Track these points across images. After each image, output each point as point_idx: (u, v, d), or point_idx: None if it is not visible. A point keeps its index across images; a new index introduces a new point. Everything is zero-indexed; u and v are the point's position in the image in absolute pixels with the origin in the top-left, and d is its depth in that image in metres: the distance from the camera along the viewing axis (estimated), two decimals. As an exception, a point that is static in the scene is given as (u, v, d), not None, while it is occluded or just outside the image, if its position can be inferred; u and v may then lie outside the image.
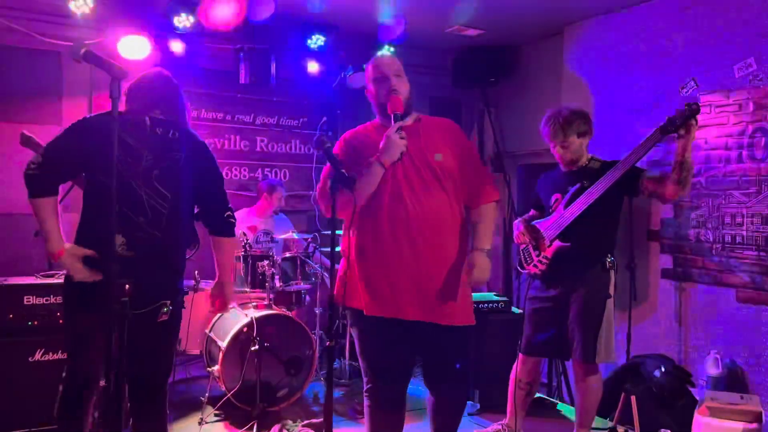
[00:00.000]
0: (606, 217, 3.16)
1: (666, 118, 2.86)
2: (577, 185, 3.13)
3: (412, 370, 2.67)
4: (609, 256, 3.17)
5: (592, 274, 3.14)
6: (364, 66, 2.75)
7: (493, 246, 2.70)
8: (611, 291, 3.16)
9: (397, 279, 2.44)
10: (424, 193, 2.45)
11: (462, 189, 2.57)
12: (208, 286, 3.40)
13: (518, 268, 3.44)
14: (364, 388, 2.60)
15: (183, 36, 4.47)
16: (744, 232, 3.72)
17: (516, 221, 3.53)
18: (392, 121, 2.44)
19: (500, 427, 3.54)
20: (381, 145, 2.41)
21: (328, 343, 2.09)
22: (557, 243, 3.16)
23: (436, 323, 2.46)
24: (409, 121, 2.55)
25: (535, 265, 3.28)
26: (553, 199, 3.28)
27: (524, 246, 3.37)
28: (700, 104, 2.83)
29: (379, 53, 2.39)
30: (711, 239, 3.90)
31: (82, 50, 1.67)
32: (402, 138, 2.39)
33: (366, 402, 2.59)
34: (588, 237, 3.10)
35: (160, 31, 4.37)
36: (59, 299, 3.37)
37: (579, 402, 3.29)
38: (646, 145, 2.92)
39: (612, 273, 3.18)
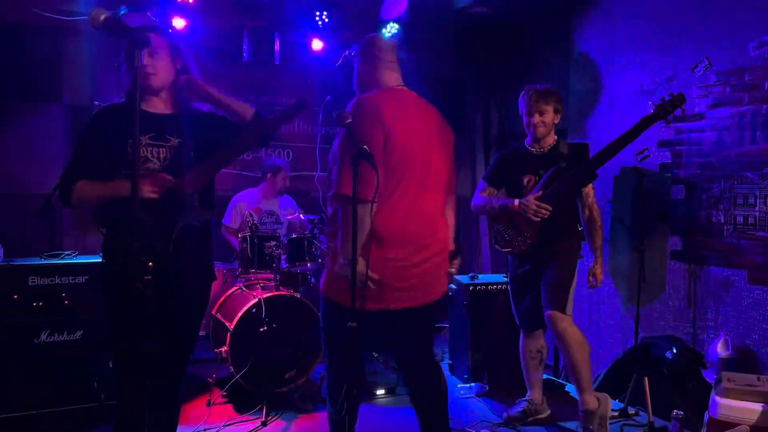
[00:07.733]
0: (579, 193, 3.37)
1: (653, 107, 3.04)
2: (553, 168, 3.24)
3: None
4: (579, 225, 3.44)
5: (569, 244, 3.38)
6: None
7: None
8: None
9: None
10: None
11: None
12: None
13: (497, 247, 3.54)
14: None
15: (185, 12, 4.37)
16: (756, 213, 3.69)
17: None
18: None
19: (526, 404, 3.62)
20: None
21: (351, 324, 2.04)
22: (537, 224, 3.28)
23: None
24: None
25: (517, 245, 3.37)
26: (525, 180, 3.37)
27: (500, 227, 3.47)
28: (684, 96, 3.03)
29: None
30: (722, 220, 3.86)
31: (102, 17, 1.58)
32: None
33: None
34: (565, 213, 3.30)
35: (163, 7, 4.27)
36: (64, 280, 3.35)
37: (569, 360, 3.32)
38: (633, 134, 3.05)
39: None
